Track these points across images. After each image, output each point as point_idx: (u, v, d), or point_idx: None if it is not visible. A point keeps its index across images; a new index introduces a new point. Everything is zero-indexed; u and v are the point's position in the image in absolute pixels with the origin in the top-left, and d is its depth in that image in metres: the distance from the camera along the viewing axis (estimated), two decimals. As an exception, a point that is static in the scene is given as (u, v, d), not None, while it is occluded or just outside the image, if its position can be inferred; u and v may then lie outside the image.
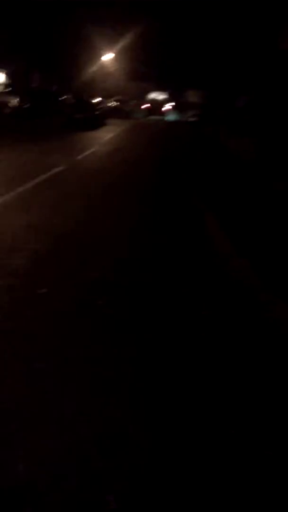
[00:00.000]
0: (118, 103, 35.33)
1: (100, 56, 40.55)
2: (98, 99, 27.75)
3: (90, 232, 5.60)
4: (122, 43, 39.41)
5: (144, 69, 43.04)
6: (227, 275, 4.51)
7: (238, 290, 4.16)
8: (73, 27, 31.11)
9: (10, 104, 23.85)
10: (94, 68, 40.38)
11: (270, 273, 4.45)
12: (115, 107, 34.36)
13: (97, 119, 23.34)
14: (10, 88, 24.80)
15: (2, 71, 30.17)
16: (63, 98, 30.00)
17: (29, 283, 3.90)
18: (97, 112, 23.76)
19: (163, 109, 39.99)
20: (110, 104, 34.24)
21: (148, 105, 40.54)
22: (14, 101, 23.87)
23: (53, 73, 34.94)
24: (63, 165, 10.13)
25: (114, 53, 41.34)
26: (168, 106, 40.38)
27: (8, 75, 30.56)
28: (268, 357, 3.06)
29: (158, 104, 40.73)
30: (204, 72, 32.74)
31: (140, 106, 39.74)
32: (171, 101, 41.59)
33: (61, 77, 35.63)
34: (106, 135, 19.19)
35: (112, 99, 36.80)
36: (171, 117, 37.22)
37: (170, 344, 3.11)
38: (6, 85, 27.53)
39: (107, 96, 37.03)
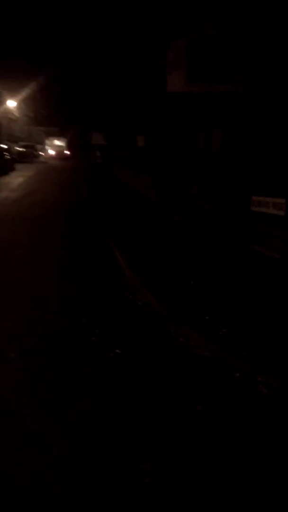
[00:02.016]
0: (25, 149, 34.91)
1: (4, 102, 40.05)
2: (4, 146, 27.16)
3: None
4: (25, 91, 39.41)
5: (47, 115, 43.38)
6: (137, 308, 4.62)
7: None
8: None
9: None
10: (-3, 114, 39.71)
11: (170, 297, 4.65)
12: (22, 152, 33.88)
13: (5, 164, 22.80)
14: None
15: None
16: None
17: None
18: (5, 158, 23.23)
19: (65, 152, 41.37)
20: (18, 149, 33.69)
21: (53, 152, 41.15)
22: None
23: None
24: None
25: (17, 101, 41.10)
26: (66, 152, 41.86)
27: None
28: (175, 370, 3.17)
29: (60, 148, 41.94)
30: (105, 115, 33.91)
31: (45, 151, 40.01)
32: (67, 147, 43.27)
33: None
34: (16, 180, 18.82)
35: (19, 144, 36.28)
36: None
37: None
38: None
39: (13, 141, 36.45)
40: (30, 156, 34.14)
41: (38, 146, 39.16)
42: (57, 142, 43.15)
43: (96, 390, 3.07)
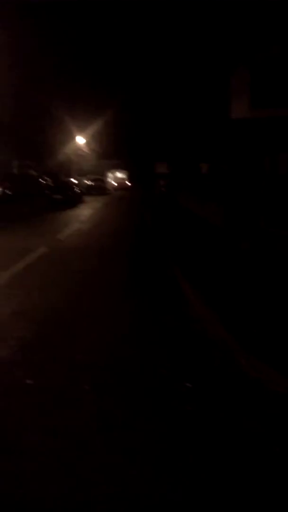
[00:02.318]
0: (94, 182, 36.77)
1: (73, 138, 42.78)
2: (74, 180, 28.85)
3: (79, 309, 5.64)
4: (93, 128, 41.92)
5: (113, 149, 45.64)
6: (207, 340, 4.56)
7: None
8: (45, 112, 32.86)
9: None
10: (68, 150, 42.41)
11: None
12: (91, 185, 35.70)
13: (75, 198, 24.14)
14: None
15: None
16: (42, 181, 31.09)
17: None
18: (74, 191, 24.62)
19: (126, 183, 43.68)
20: (86, 182, 35.57)
21: (115, 183, 43.33)
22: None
23: (31, 158, 36.45)
24: (46, 247, 10.32)
25: (85, 137, 43.73)
26: (127, 183, 43.66)
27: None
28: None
29: (122, 180, 44.36)
30: (168, 145, 34.74)
31: (112, 183, 42.00)
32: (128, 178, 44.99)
33: (37, 160, 37.13)
34: (85, 213, 19.78)
35: (87, 177, 38.31)
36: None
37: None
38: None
39: (82, 175, 38.59)
40: (98, 189, 35.83)
41: (106, 179, 41.12)
42: (118, 174, 45.30)
43: (165, 426, 3.06)
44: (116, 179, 44.67)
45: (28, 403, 3.38)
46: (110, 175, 42.96)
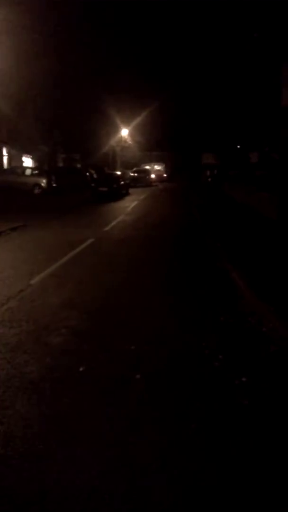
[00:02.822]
0: (138, 174, 36.94)
1: (118, 131, 43.12)
2: (120, 172, 29.11)
3: (127, 303, 5.69)
4: (137, 119, 42.01)
5: (157, 140, 45.50)
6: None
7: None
8: (91, 104, 33.28)
9: (41, 184, 25.24)
10: (112, 143, 42.81)
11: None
12: (135, 177, 35.88)
13: (120, 190, 24.35)
14: (37, 171, 26.38)
15: (28, 156, 32.49)
16: (88, 173, 31.63)
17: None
18: (120, 183, 24.83)
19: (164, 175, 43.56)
20: (131, 174, 35.79)
21: (153, 175, 43.13)
22: (46, 182, 25.25)
23: (76, 151, 37.14)
24: (93, 238, 10.49)
25: (129, 128, 43.92)
26: (164, 175, 43.45)
27: (35, 159, 32.79)
28: None
29: (159, 172, 44.18)
30: (216, 135, 34.14)
31: (156, 175, 41.98)
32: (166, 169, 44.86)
33: (83, 153, 37.75)
34: (130, 204, 19.89)
35: (133, 169, 38.53)
36: None
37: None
38: (33, 168, 29.39)
39: (126, 167, 38.86)
40: (143, 181, 35.93)
41: (152, 171, 41.08)
42: (156, 166, 45.07)
43: (219, 419, 3.01)
44: (153, 171, 44.56)
45: (80, 390, 3.45)
46: (147, 167, 42.63)
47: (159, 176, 44.28)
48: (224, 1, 18.88)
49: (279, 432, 2.85)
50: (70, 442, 2.81)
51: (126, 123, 43.00)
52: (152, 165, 44.57)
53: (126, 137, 44.82)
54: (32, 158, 33.10)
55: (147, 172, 38.86)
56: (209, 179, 34.13)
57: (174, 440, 2.80)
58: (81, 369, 3.79)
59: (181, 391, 3.40)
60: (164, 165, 46.29)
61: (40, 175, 25.42)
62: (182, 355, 4.05)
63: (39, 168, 28.34)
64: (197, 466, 2.55)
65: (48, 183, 24.69)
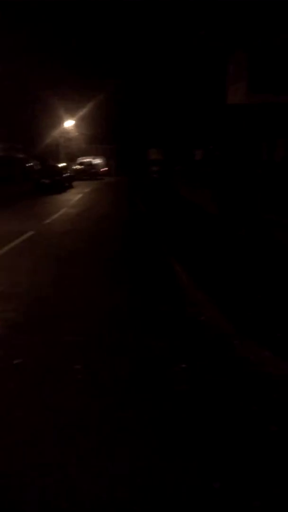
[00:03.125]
0: (82, 166, 36.41)
1: (62, 122, 42.22)
2: (63, 164, 28.53)
3: (65, 294, 5.61)
4: (83, 111, 41.43)
5: (103, 133, 45.02)
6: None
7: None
8: (33, 94, 32.31)
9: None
10: (56, 134, 41.84)
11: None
12: (80, 169, 35.36)
13: (64, 182, 23.92)
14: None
15: None
16: (29, 164, 30.71)
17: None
18: (64, 176, 24.39)
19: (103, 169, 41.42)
20: (75, 167, 35.20)
21: (106, 168, 41.59)
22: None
23: (17, 141, 35.91)
24: (33, 230, 10.23)
25: (75, 120, 43.19)
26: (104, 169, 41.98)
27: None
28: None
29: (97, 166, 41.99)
30: (162, 130, 34.56)
31: (100, 169, 41.01)
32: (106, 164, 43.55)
33: (25, 143, 36.59)
34: (74, 197, 19.62)
35: (77, 162, 37.92)
36: None
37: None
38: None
39: (71, 159, 38.17)
40: (88, 174, 35.47)
41: (96, 164, 40.31)
42: (95, 160, 42.99)
43: (160, 403, 3.07)
44: (93, 164, 42.75)
45: (16, 381, 3.36)
46: (86, 160, 41.14)
47: (99, 170, 42.60)
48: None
49: (215, 414, 2.96)
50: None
51: (72, 115, 42.25)
52: (91, 158, 43.24)
53: (71, 128, 44.02)
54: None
55: (93, 165, 38.32)
56: (155, 175, 34.48)
57: (114, 429, 2.81)
58: (15, 361, 3.69)
59: (122, 379, 3.42)
60: (105, 159, 45.16)
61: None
62: (123, 346, 4.07)
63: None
64: (138, 453, 2.58)
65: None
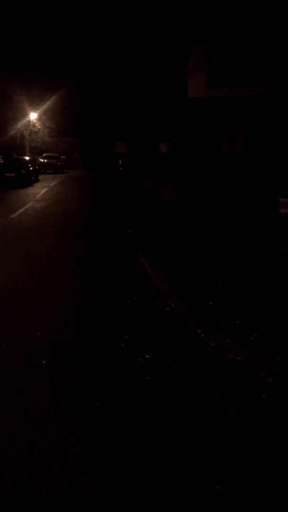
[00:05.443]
0: (48, 160, 35.63)
1: (26, 115, 41.09)
2: (28, 157, 27.82)
3: (33, 287, 5.51)
4: (47, 104, 40.42)
5: (68, 126, 44.14)
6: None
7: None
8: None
9: None
10: (21, 127, 40.68)
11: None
12: (45, 163, 34.61)
13: (29, 176, 23.33)
14: None
15: None
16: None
17: None
18: (28, 169, 23.78)
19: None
20: (41, 161, 34.42)
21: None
22: None
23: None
24: (-2, 225, 9.96)
25: (38, 113, 42.14)
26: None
27: None
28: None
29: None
30: (127, 124, 34.30)
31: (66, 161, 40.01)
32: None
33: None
34: (40, 191, 19.20)
35: (42, 155, 37.07)
36: None
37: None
38: None
39: (36, 153, 37.28)
40: (53, 167, 34.73)
41: (62, 157, 39.43)
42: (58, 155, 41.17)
43: (126, 394, 3.08)
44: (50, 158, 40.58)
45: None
46: (51, 154, 39.16)
47: (64, 163, 40.70)
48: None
49: (178, 401, 3.00)
50: None
51: (35, 108, 41.16)
52: (56, 152, 41.65)
53: (35, 121, 42.92)
54: None
55: (59, 159, 37.53)
56: (121, 168, 34.27)
57: (82, 419, 2.79)
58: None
59: (88, 372, 3.41)
60: (69, 153, 43.74)
61: None
62: (90, 338, 4.05)
63: None
64: (104, 440, 2.57)
65: None
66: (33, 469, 2.34)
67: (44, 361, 3.55)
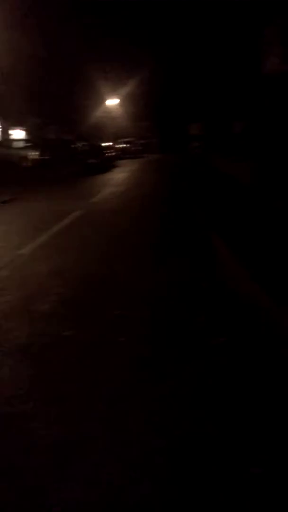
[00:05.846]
0: (126, 145, 36.18)
1: (105, 100, 41.89)
2: (108, 143, 28.51)
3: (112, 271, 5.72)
4: (125, 90, 40.82)
5: (145, 111, 44.18)
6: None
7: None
8: (78, 74, 32.04)
9: (30, 157, 24.67)
10: (100, 113, 41.67)
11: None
12: (124, 148, 35.20)
13: (109, 161, 23.97)
14: (31, 143, 25.67)
15: (22, 129, 31.60)
16: (76, 145, 30.93)
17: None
18: (108, 155, 24.40)
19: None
20: (119, 146, 35.08)
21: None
22: (35, 154, 24.63)
23: (64, 123, 36.12)
24: (82, 210, 10.40)
25: (118, 98, 42.72)
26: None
27: (28, 131, 31.93)
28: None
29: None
30: (201, 105, 33.36)
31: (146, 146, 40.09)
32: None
33: (70, 124, 36.69)
34: (119, 176, 19.63)
35: (121, 140, 37.72)
36: None
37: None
38: (25, 140, 28.64)
39: (115, 138, 38.04)
40: (133, 152, 35.23)
41: (139, 142, 39.73)
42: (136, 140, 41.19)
43: (199, 376, 3.10)
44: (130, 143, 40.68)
45: (67, 353, 3.51)
46: (129, 139, 39.37)
47: (141, 148, 40.91)
48: None
49: (251, 388, 2.95)
50: (55, 402, 2.89)
51: (115, 94, 41.80)
52: (134, 137, 42.02)
53: (115, 107, 43.65)
54: (25, 131, 32.22)
55: (137, 143, 37.93)
56: (197, 150, 33.62)
57: (155, 398, 2.88)
58: (65, 333, 3.86)
59: (162, 353, 3.48)
60: (147, 137, 43.74)
61: (29, 148, 24.86)
62: (166, 320, 4.11)
63: (31, 140, 27.67)
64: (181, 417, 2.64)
65: (39, 155, 24.20)
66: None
67: (122, 339, 3.69)
